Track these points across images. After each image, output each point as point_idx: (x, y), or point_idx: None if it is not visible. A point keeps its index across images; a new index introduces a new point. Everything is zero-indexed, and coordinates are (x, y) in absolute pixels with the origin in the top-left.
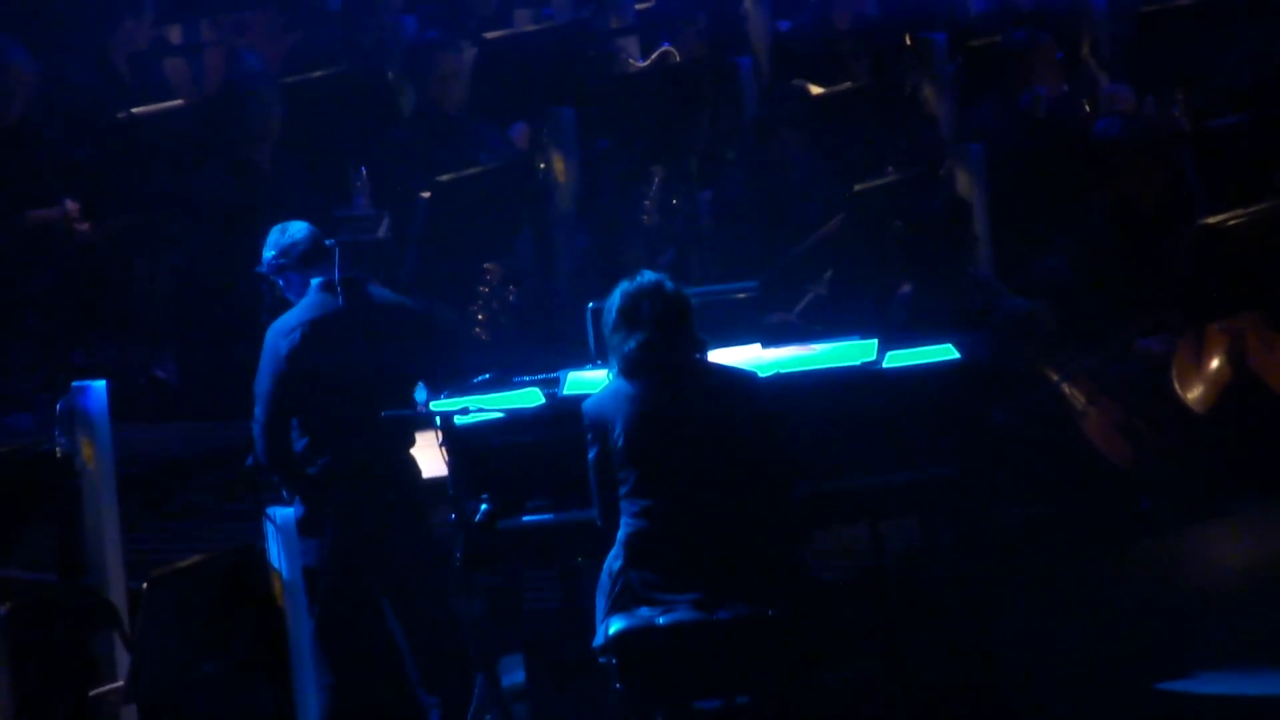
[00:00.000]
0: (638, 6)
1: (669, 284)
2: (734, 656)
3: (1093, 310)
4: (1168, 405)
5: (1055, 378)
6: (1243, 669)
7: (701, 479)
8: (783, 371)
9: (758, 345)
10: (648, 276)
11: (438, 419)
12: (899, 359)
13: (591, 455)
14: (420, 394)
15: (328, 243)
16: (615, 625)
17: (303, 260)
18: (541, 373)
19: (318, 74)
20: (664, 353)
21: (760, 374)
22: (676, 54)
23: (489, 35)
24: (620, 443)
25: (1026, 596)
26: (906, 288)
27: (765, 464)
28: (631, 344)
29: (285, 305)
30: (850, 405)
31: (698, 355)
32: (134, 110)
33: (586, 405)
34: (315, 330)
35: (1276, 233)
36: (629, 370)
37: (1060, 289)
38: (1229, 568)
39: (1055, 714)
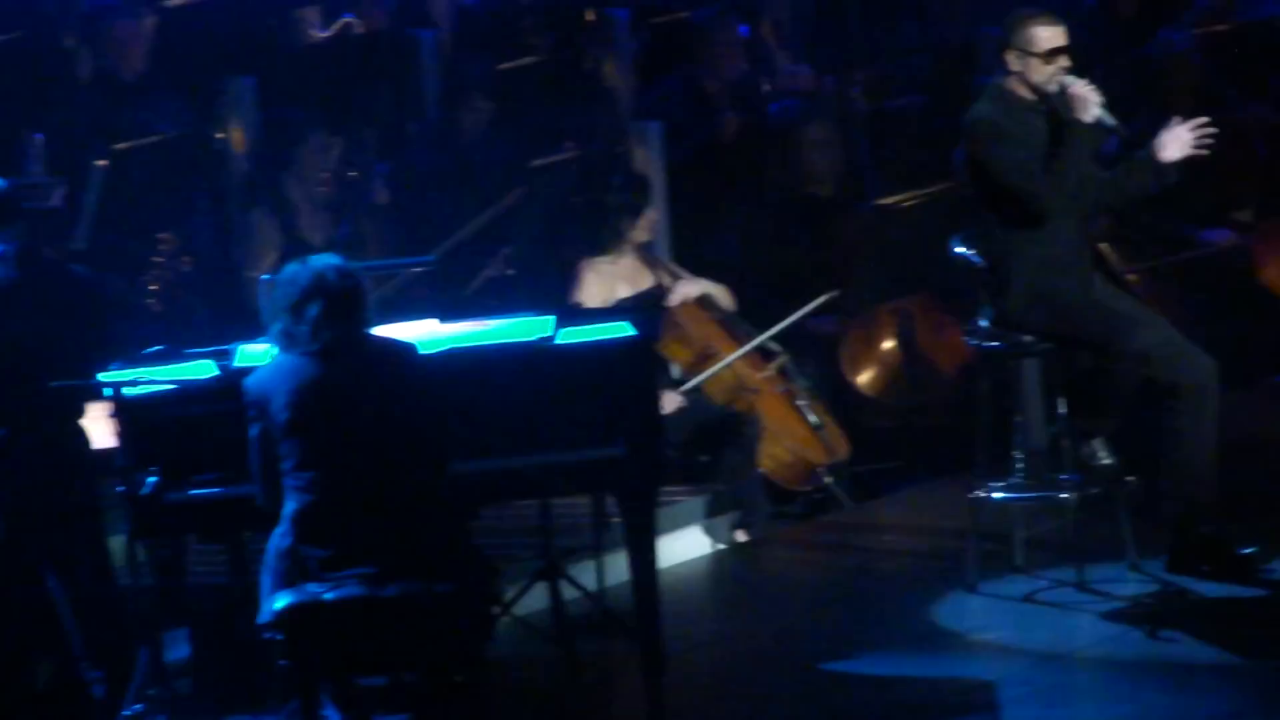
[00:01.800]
0: None
1: (340, 260)
2: (401, 633)
3: (764, 290)
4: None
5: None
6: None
7: (364, 453)
8: (456, 346)
9: (435, 320)
10: (320, 254)
11: (108, 390)
12: (573, 335)
13: (253, 432)
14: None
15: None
16: (281, 600)
17: None
18: (215, 345)
19: None
20: (329, 328)
21: (433, 348)
22: (359, 25)
23: (169, 2)
24: (283, 416)
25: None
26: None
27: (425, 438)
28: (298, 319)
29: None
30: (523, 381)
31: (364, 329)
32: None
33: (248, 382)
34: None
35: (947, 214)
36: (292, 345)
37: (731, 268)
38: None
39: (727, 692)
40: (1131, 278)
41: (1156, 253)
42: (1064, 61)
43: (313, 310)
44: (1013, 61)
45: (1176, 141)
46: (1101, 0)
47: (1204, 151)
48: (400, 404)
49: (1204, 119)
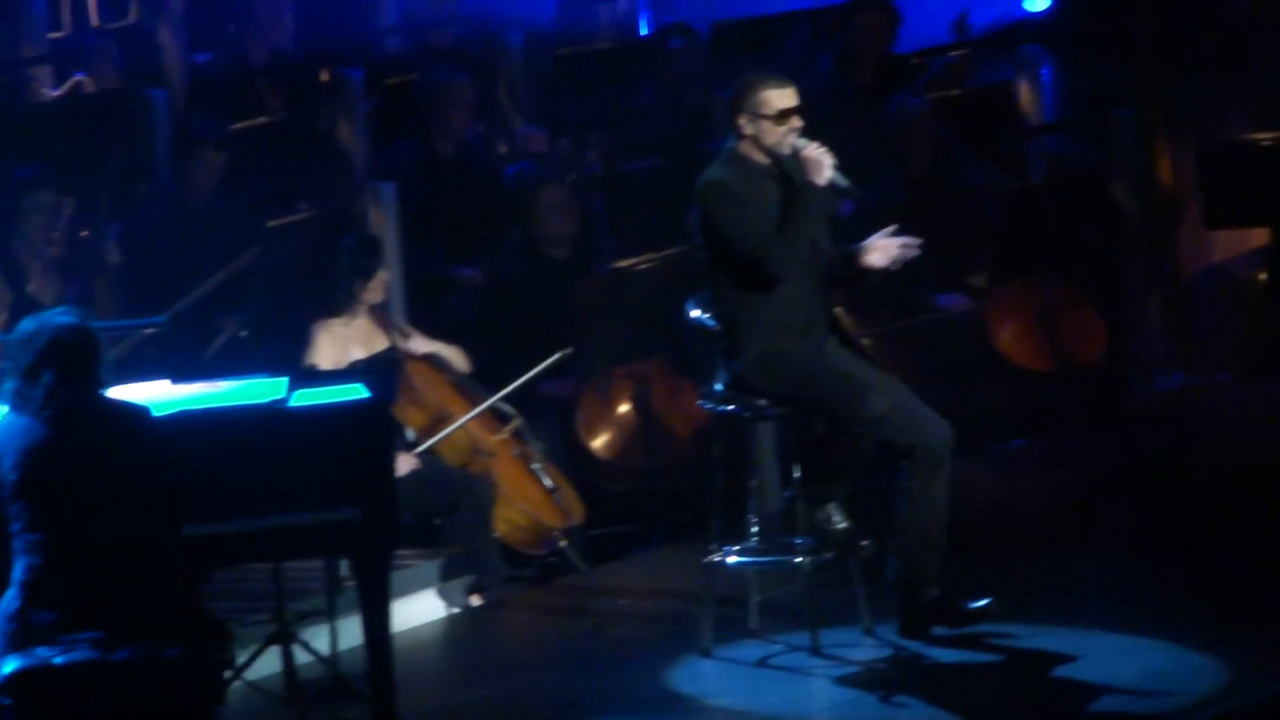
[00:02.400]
0: (50, 35)
1: (76, 318)
2: (131, 698)
3: (498, 351)
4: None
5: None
6: None
7: (94, 516)
8: (188, 408)
9: (167, 381)
10: (51, 312)
11: None
12: (307, 397)
13: None
14: None
15: None
16: (9, 665)
17: None
18: None
19: None
20: (62, 392)
21: (163, 410)
22: (90, 83)
23: None
24: (12, 478)
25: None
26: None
27: (156, 501)
28: (32, 383)
29: None
30: (256, 444)
31: (96, 390)
32: None
33: None
34: None
35: (682, 277)
36: (25, 406)
37: (467, 331)
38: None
39: None
40: (865, 342)
41: (890, 317)
42: (796, 123)
43: (47, 376)
44: (745, 125)
45: (882, 251)
46: (838, 64)
47: (912, 255)
48: (131, 467)
49: (913, 241)
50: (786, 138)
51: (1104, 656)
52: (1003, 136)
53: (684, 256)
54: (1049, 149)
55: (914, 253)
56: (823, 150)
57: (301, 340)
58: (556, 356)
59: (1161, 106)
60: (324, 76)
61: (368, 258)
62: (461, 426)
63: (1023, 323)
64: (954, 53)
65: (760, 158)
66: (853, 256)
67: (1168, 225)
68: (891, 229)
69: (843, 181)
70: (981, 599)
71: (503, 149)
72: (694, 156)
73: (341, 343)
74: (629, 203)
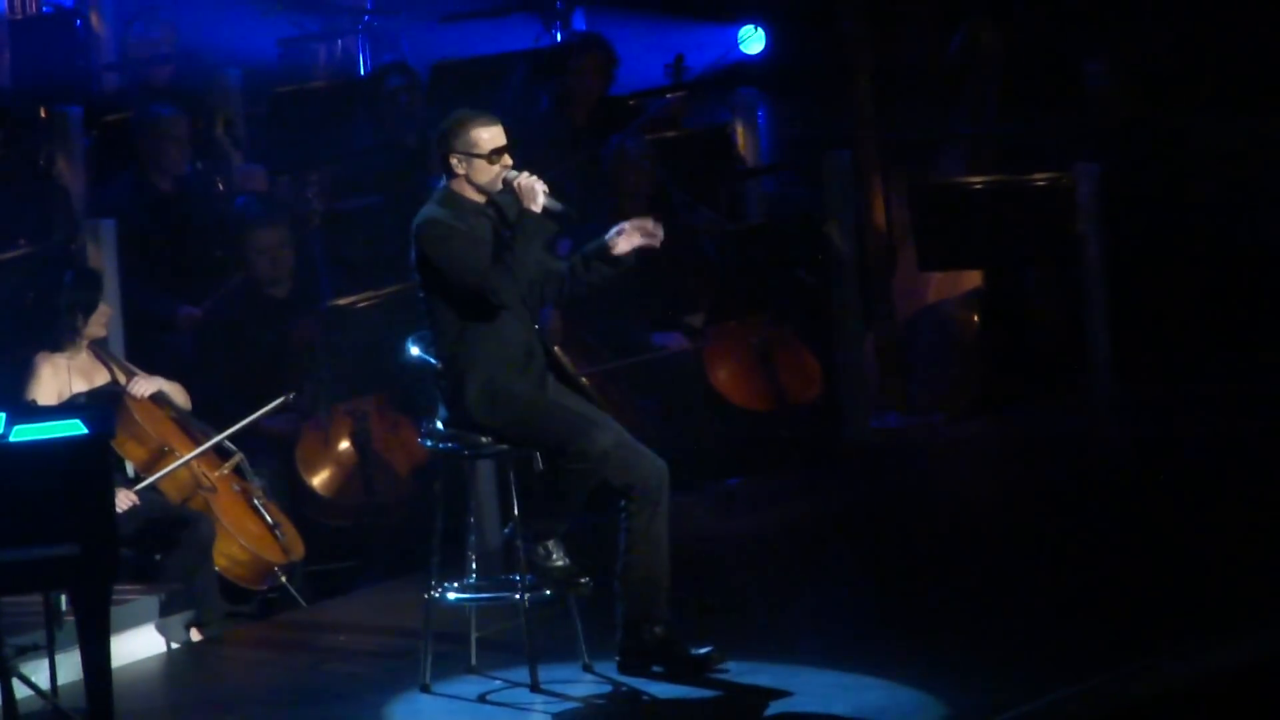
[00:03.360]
0: None
1: None
2: None
3: (218, 388)
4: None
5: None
6: None
7: None
8: None
9: None
10: None
11: None
12: (25, 433)
13: None
14: None
15: None
16: None
17: None
18: None
19: None
20: None
21: None
22: None
23: None
24: None
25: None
26: None
27: None
28: None
29: None
30: None
31: None
32: None
33: None
34: None
35: (401, 314)
36: None
37: (186, 367)
38: None
39: None
40: (584, 380)
41: (608, 355)
42: (507, 161)
43: None
44: (457, 165)
45: (628, 236)
46: (556, 105)
47: (654, 243)
48: None
49: (652, 219)
50: (499, 175)
51: (819, 693)
52: (719, 178)
53: (403, 294)
54: (765, 190)
55: (659, 238)
56: (534, 178)
57: (23, 372)
58: (279, 401)
59: (875, 148)
60: (42, 113)
61: (88, 292)
62: (185, 464)
63: (740, 362)
64: (670, 94)
65: (474, 196)
66: (604, 249)
67: (882, 266)
68: (633, 220)
69: (556, 206)
70: (703, 647)
71: (221, 186)
72: (413, 194)
73: (65, 374)
74: (348, 240)
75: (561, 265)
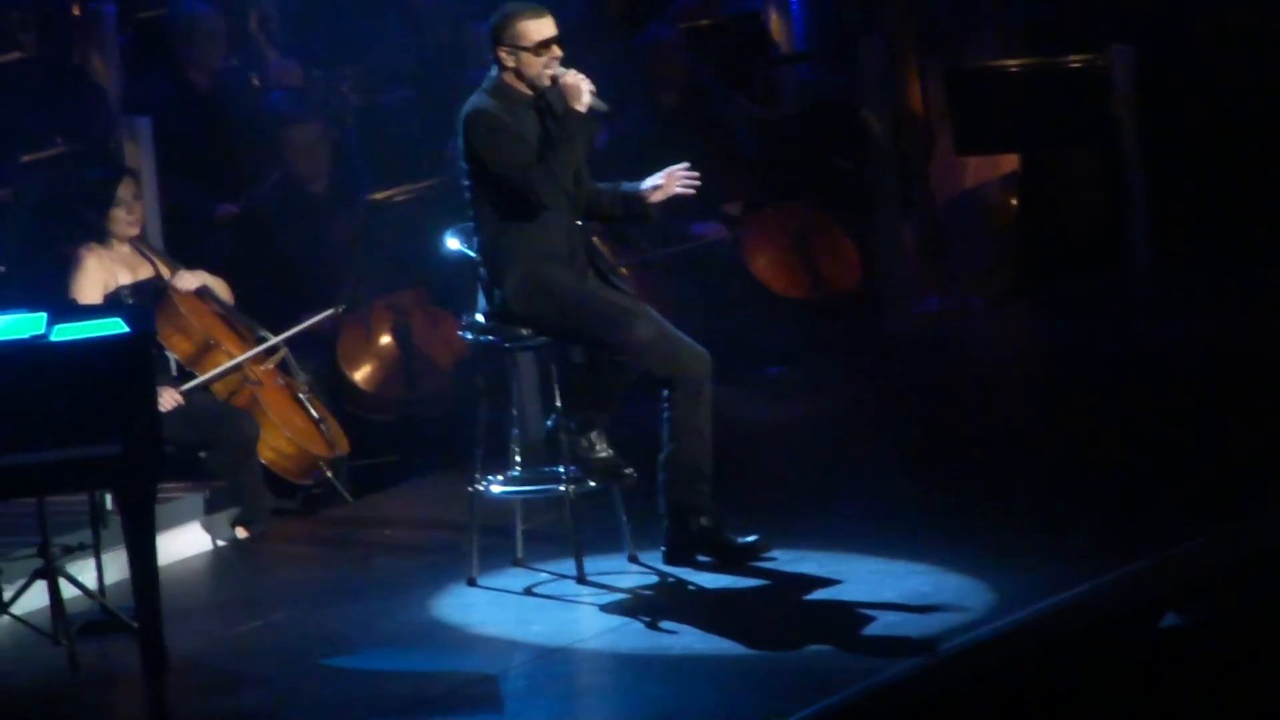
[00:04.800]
0: None
1: None
2: None
3: (256, 284)
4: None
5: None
6: None
7: None
8: None
9: None
10: None
11: None
12: (66, 332)
13: None
14: None
15: None
16: None
17: None
18: None
19: None
20: None
21: None
22: None
23: None
24: None
25: None
26: None
27: None
28: None
29: None
30: (16, 379)
31: None
32: None
33: None
34: None
35: (439, 208)
36: None
37: (226, 264)
38: None
39: (230, 690)
40: (623, 271)
41: (647, 246)
42: (556, 53)
43: None
44: (505, 57)
45: (664, 188)
46: None
47: (690, 192)
48: None
49: (687, 166)
50: (547, 68)
51: (867, 580)
52: (754, 65)
53: (440, 187)
54: (800, 77)
55: (695, 188)
56: (580, 76)
57: (69, 265)
58: (329, 311)
59: (910, 32)
60: (75, 11)
61: (117, 188)
62: (234, 368)
63: (779, 250)
64: None
65: (522, 89)
66: (639, 196)
67: (919, 151)
68: (683, 167)
69: (602, 106)
70: (749, 535)
71: (257, 82)
72: (446, 88)
73: (109, 266)
74: (384, 135)
75: (594, 186)
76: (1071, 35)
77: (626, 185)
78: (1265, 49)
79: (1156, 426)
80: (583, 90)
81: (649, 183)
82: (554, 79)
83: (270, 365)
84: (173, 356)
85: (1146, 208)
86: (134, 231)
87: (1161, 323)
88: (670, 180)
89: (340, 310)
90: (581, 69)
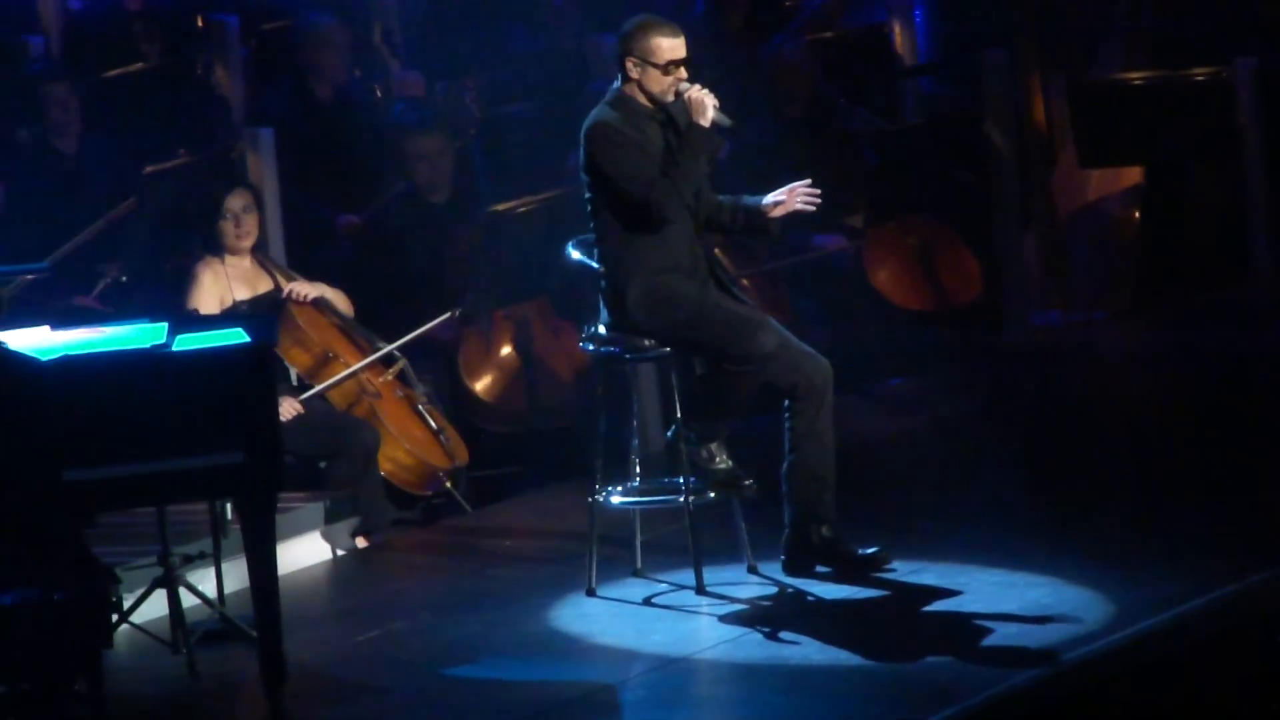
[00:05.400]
0: None
1: None
2: (19, 641)
3: (379, 296)
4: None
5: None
6: None
7: None
8: (69, 354)
9: (47, 327)
10: None
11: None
12: (188, 342)
13: None
14: None
15: None
16: None
17: None
18: None
19: None
20: None
21: (45, 356)
22: None
23: None
24: None
25: None
26: None
27: (38, 446)
28: None
29: None
30: (138, 388)
31: None
32: None
33: None
34: None
35: (561, 219)
36: None
37: (347, 275)
38: None
39: (350, 699)
40: (745, 282)
41: (769, 257)
42: (682, 74)
43: None
44: (632, 69)
45: (786, 204)
46: (712, 6)
47: (811, 209)
48: (13, 413)
49: (815, 192)
50: (672, 86)
51: (987, 591)
52: (877, 78)
53: (562, 198)
54: (923, 90)
55: (816, 204)
56: (705, 91)
57: (184, 280)
58: (446, 315)
59: (1034, 46)
60: (199, 22)
61: (233, 201)
62: (353, 375)
63: (900, 262)
64: None
65: (645, 102)
66: (760, 211)
67: (1042, 164)
68: (805, 183)
69: (725, 121)
70: (871, 547)
71: (380, 94)
72: (570, 100)
73: (225, 281)
74: (506, 146)
75: (715, 199)
76: (1195, 48)
77: (748, 199)
78: None
79: (1276, 443)
80: (707, 105)
81: (771, 198)
82: (678, 94)
83: (389, 376)
84: (292, 369)
85: (1269, 220)
86: (246, 244)
87: None
88: (791, 196)
89: (456, 315)
90: (704, 82)
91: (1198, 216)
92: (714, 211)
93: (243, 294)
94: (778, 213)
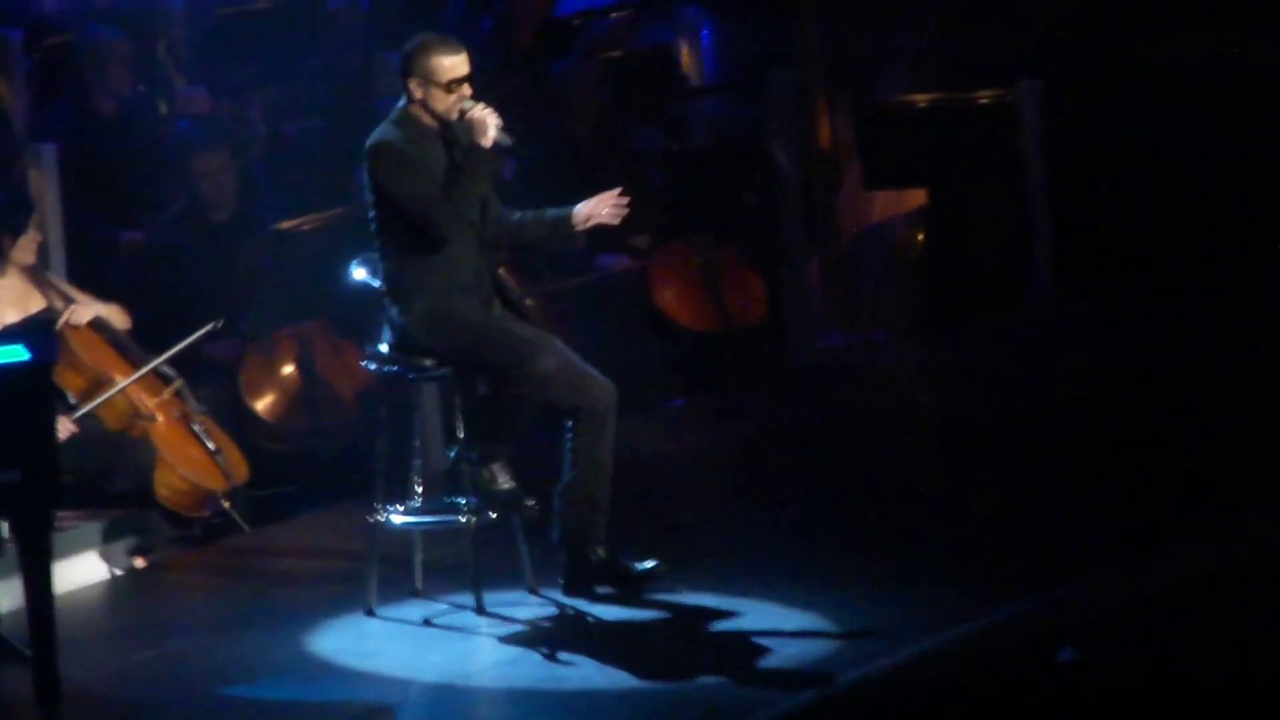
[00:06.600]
0: None
1: None
2: None
3: (160, 313)
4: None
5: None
6: None
7: None
8: None
9: None
10: None
11: None
12: None
13: None
14: None
15: None
16: None
17: None
18: None
19: None
20: None
21: None
22: None
23: None
24: None
25: None
26: None
27: None
28: None
29: None
30: None
31: None
32: None
33: None
34: None
35: (345, 237)
36: None
37: (129, 291)
38: None
39: None
40: (529, 302)
41: (553, 277)
42: (466, 92)
43: None
44: (415, 88)
45: (593, 213)
46: (499, 26)
47: (616, 221)
48: None
49: (619, 191)
50: (456, 104)
51: (765, 613)
52: (664, 98)
53: (346, 217)
54: (710, 111)
55: (624, 212)
56: (489, 111)
57: None
58: (209, 326)
59: (820, 68)
60: None
61: (15, 215)
62: (121, 391)
63: (685, 282)
64: (615, 14)
65: (429, 121)
66: (565, 220)
67: (827, 185)
68: (615, 193)
69: (507, 141)
70: (648, 560)
71: (164, 109)
72: (355, 117)
73: None
74: (291, 164)
75: (513, 217)
76: (980, 71)
77: (552, 211)
78: (1167, 83)
79: (1057, 460)
80: (489, 125)
81: (580, 209)
82: (462, 113)
83: (165, 396)
84: (66, 391)
85: (1050, 241)
86: (29, 260)
87: (1065, 355)
88: (600, 205)
89: (219, 324)
90: (490, 100)
91: (982, 238)
92: (514, 228)
93: (12, 315)
94: (586, 225)
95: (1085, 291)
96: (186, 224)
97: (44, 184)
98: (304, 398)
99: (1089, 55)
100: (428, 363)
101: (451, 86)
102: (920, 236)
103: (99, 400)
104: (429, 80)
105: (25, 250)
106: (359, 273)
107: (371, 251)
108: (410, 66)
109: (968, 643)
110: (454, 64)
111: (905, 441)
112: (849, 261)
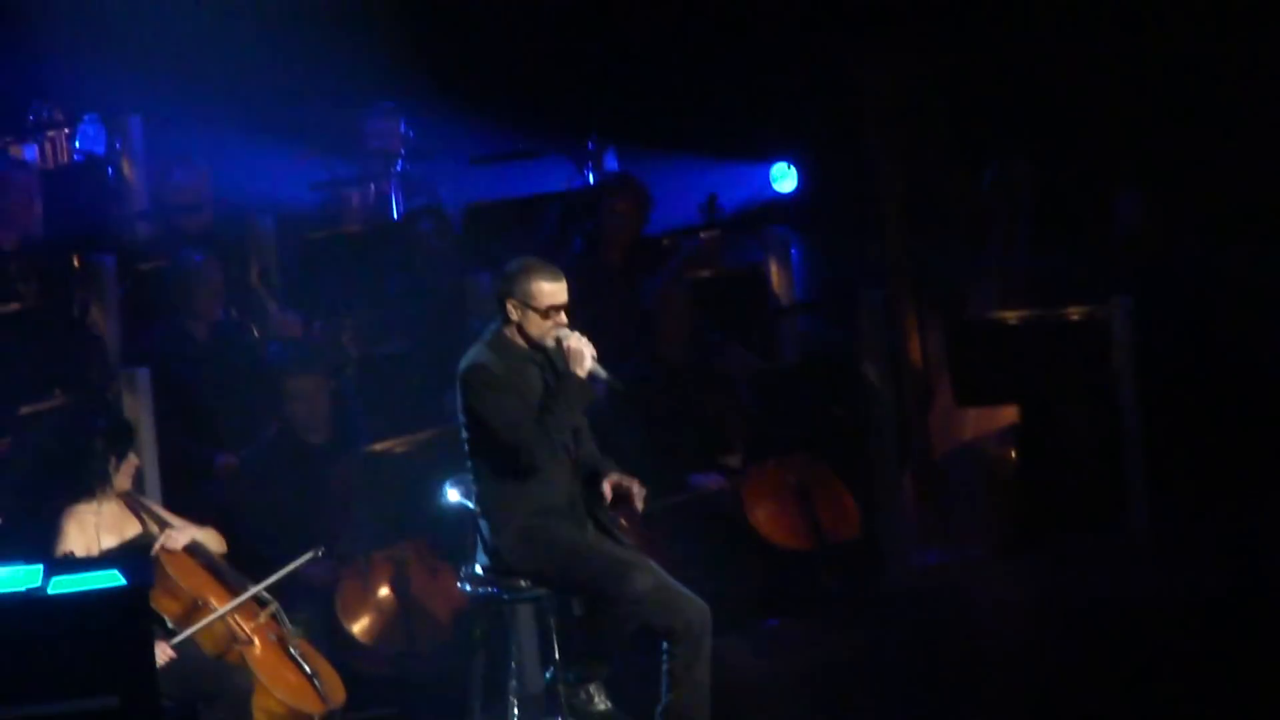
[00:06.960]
0: None
1: None
2: None
3: (255, 535)
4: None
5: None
6: None
7: None
8: None
9: None
10: None
11: None
12: (63, 585)
13: None
14: None
15: None
16: None
17: None
18: None
19: None
20: None
21: None
22: None
23: None
24: None
25: None
26: None
27: None
28: None
29: None
30: (13, 632)
31: None
32: None
33: None
34: None
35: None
36: None
37: (223, 512)
38: None
39: None
40: (623, 523)
41: (647, 497)
42: (562, 319)
43: None
44: (512, 311)
45: (615, 495)
46: (589, 245)
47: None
48: None
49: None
50: (551, 330)
51: None
52: (754, 317)
53: (439, 438)
54: (800, 329)
55: (647, 503)
56: (584, 341)
57: (50, 529)
58: (309, 554)
59: (909, 285)
60: (76, 262)
61: (119, 442)
62: (220, 618)
63: (778, 501)
64: (704, 234)
65: (523, 344)
66: (597, 479)
67: (918, 403)
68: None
69: (602, 373)
70: None
71: (256, 333)
72: (446, 338)
73: (91, 530)
74: (383, 386)
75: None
76: (1071, 287)
77: (602, 461)
78: (1260, 297)
79: (1154, 679)
80: (585, 356)
81: (610, 482)
82: (558, 340)
83: (262, 619)
84: (165, 616)
85: (1142, 459)
86: (127, 486)
87: (1159, 574)
88: (624, 489)
89: (320, 553)
90: (582, 321)
91: (1074, 456)
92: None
93: (110, 541)
94: (610, 498)
95: (1179, 508)
96: (280, 447)
97: (139, 408)
98: (399, 619)
99: (1180, 269)
100: (523, 583)
101: (549, 313)
102: (1012, 453)
103: (197, 626)
104: (527, 304)
105: (125, 476)
106: (453, 493)
107: (464, 472)
108: (510, 288)
109: None
110: (554, 290)
111: (1000, 661)
112: (942, 479)
